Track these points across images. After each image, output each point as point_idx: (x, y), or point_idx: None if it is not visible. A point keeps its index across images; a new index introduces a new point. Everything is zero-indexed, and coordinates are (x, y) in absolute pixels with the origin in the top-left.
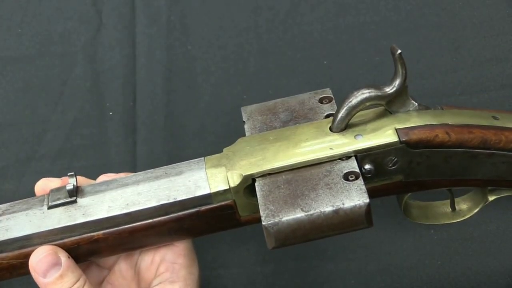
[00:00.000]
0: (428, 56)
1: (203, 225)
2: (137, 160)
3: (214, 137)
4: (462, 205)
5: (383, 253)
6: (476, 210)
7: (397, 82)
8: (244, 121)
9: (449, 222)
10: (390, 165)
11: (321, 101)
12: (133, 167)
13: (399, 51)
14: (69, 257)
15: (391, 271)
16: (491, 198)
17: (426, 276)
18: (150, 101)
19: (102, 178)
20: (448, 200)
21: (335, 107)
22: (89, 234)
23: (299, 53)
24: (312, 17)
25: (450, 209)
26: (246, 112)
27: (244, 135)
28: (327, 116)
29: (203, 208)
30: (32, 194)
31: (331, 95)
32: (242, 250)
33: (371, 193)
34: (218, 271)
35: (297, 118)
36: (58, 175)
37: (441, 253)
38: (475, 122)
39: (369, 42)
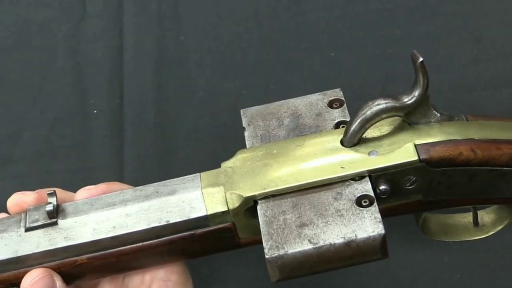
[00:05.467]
0: (447, 47)
1: (199, 248)
2: (124, 163)
3: (209, 137)
4: (486, 219)
5: (396, 266)
6: (501, 227)
7: (417, 92)
8: (244, 127)
9: (471, 239)
10: (408, 184)
11: (330, 104)
12: (120, 171)
13: (421, 59)
14: (63, 281)
15: (405, 286)
16: None
17: None
18: (138, 97)
19: (82, 193)
20: (470, 213)
21: (347, 113)
22: (72, 259)
23: (303, 44)
24: (319, 3)
25: (473, 224)
26: (247, 115)
27: (243, 140)
28: (338, 124)
29: (199, 231)
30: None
31: (342, 98)
32: (241, 263)
33: (386, 212)
34: (214, 286)
35: (304, 126)
36: (37, 179)
37: (461, 266)
38: (504, 136)
39: (382, 31)
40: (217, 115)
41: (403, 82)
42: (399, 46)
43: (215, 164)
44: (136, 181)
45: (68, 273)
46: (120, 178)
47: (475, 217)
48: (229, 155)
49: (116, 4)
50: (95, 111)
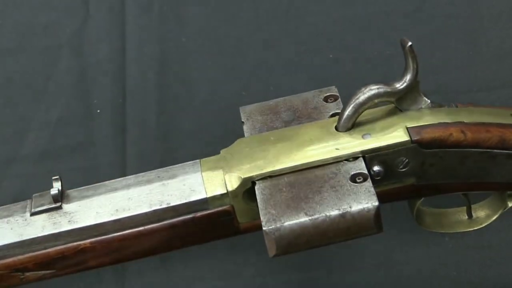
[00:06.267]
0: (443, 49)
1: (199, 233)
2: (127, 161)
3: (210, 137)
4: (479, 211)
5: (393, 262)
6: (494, 217)
7: (407, 78)
8: (243, 122)
9: (465, 230)
10: (401, 166)
11: (326, 99)
12: (123, 169)
13: (410, 43)
14: None
15: (402, 282)
16: (511, 203)
17: None
18: (141, 98)
19: None
20: (464, 207)
21: (341, 106)
22: (75, 243)
23: (302, 46)
24: (317, 7)
25: (466, 216)
26: (245, 112)
27: (243, 136)
28: (333, 115)
29: (199, 214)
30: (13, 199)
31: (337, 93)
32: (241, 259)
33: (381, 197)
34: (213, 283)
35: (300, 118)
36: (42, 178)
37: (457, 262)
38: (493, 120)
39: (379, 34)
40: (218, 115)
41: None
42: (396, 48)
43: None
44: None
45: (72, 259)
46: (123, 176)
47: (469, 208)
48: None
49: (119, 6)
50: (98, 111)
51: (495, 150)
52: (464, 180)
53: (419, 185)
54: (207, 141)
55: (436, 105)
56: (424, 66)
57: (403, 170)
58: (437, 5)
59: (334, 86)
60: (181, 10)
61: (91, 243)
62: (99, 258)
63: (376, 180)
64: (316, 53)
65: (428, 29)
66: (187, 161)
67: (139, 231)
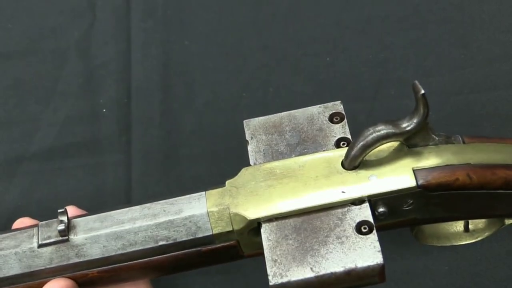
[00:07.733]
0: (436, 52)
1: (204, 262)
2: (132, 159)
3: (212, 136)
4: (477, 225)
5: (385, 258)
6: (491, 233)
7: (416, 120)
8: (247, 141)
9: (462, 243)
10: (405, 206)
11: (331, 119)
12: (128, 166)
13: (423, 91)
14: None
15: (395, 277)
16: (508, 222)
17: (433, 283)
18: (145, 98)
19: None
20: (461, 221)
21: (347, 129)
22: (83, 272)
23: (301, 49)
24: (315, 11)
25: (463, 229)
26: (250, 127)
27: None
28: (338, 141)
29: (205, 248)
30: (22, 196)
31: (342, 111)
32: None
33: (383, 227)
34: (214, 278)
35: (306, 142)
36: (50, 175)
37: (448, 258)
38: (500, 160)
39: (374, 37)
40: (219, 115)
41: (394, 85)
42: (390, 52)
43: (216, 160)
44: (143, 175)
45: (79, 283)
46: (128, 172)
47: (466, 225)
48: (229, 152)
49: (124, 10)
50: (104, 110)
51: (499, 191)
52: (466, 213)
53: (421, 218)
54: (209, 140)
55: (443, 139)
56: (417, 69)
57: (407, 208)
58: (430, 11)
59: (339, 102)
60: (184, 14)
61: (98, 272)
62: (106, 282)
63: (380, 219)
64: (314, 56)
65: (422, 33)
66: (189, 158)
67: (145, 262)
